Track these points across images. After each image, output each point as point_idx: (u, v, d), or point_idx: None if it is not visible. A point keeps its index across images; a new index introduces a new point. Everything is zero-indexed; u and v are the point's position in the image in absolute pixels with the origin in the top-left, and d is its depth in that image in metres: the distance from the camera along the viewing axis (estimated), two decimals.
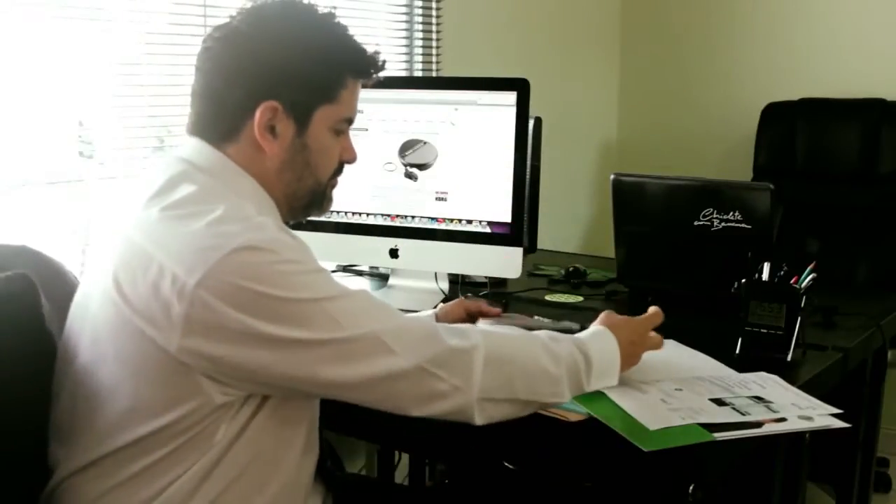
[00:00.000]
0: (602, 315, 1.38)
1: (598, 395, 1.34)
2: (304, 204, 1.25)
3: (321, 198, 1.27)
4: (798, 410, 1.32)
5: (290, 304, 1.04)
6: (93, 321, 1.12)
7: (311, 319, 1.05)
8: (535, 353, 1.21)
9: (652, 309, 1.41)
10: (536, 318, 1.70)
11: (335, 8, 1.24)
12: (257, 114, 1.15)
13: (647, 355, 1.45)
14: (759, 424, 1.26)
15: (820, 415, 1.31)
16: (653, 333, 1.39)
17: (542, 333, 1.26)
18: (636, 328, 1.36)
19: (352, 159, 1.28)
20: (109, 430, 1.11)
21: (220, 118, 1.17)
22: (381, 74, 1.25)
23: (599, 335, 1.31)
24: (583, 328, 1.39)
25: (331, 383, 1.08)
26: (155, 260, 1.05)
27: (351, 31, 1.22)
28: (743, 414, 1.29)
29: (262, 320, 1.03)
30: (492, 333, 1.20)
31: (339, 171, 1.28)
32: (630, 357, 1.34)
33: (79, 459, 1.13)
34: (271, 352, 1.04)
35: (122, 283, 1.08)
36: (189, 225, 1.06)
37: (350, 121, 1.25)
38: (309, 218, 1.30)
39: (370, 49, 1.23)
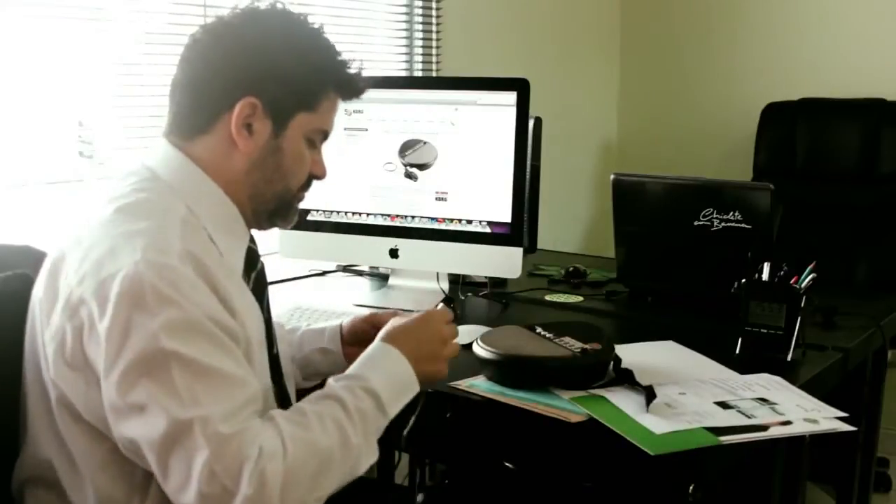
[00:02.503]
0: (385, 327, 1.26)
1: (601, 399, 1.34)
2: (271, 210, 1.22)
3: (288, 207, 1.23)
4: (803, 413, 1.32)
5: (149, 343, 0.98)
6: (31, 330, 1.14)
7: (153, 367, 0.98)
8: (333, 447, 1.07)
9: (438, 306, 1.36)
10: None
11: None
12: (236, 108, 1.13)
13: (649, 359, 1.44)
14: (765, 428, 1.26)
15: (825, 417, 1.31)
16: (448, 326, 1.29)
17: (335, 397, 1.12)
18: (419, 325, 1.26)
19: (321, 175, 1.26)
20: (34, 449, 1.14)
21: (198, 110, 1.16)
22: (362, 96, 1.24)
23: (382, 356, 1.20)
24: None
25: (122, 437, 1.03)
26: (64, 268, 1.07)
27: (339, 48, 1.21)
28: (748, 417, 1.29)
29: (121, 346, 0.99)
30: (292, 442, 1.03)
31: (307, 184, 1.25)
32: (429, 358, 1.23)
33: (26, 468, 1.15)
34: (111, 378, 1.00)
35: (41, 292, 1.10)
36: (104, 232, 1.05)
37: (325, 135, 1.24)
38: (275, 228, 1.26)
39: (355, 68, 1.22)
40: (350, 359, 1.39)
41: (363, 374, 1.16)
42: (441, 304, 1.37)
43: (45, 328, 1.07)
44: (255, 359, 1.14)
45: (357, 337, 1.45)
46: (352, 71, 1.21)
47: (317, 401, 1.11)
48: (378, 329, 1.38)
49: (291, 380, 1.37)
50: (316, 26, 1.20)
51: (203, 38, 1.17)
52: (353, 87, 1.22)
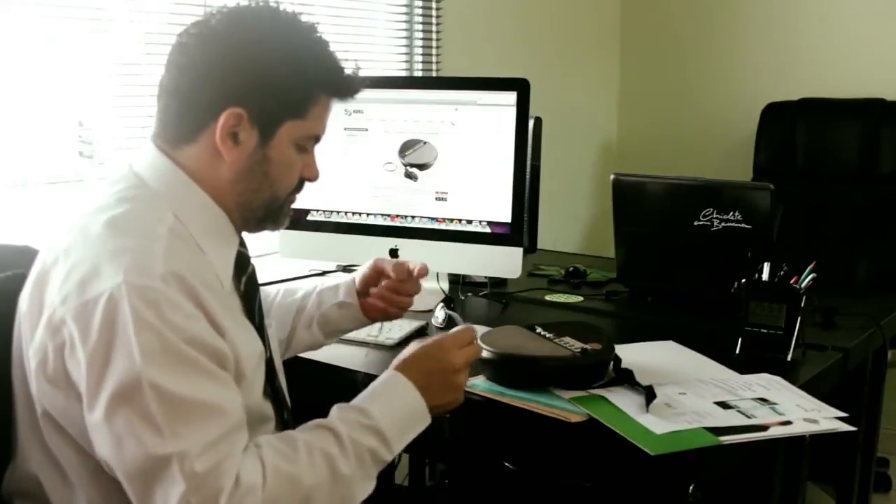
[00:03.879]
0: (401, 354, 1.23)
1: (601, 399, 1.34)
2: (259, 216, 1.20)
3: (277, 212, 1.21)
4: (803, 413, 1.32)
5: (130, 371, 0.98)
6: (17, 342, 1.13)
7: (132, 397, 0.97)
8: (320, 481, 1.06)
9: (459, 327, 1.29)
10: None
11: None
12: (221, 119, 1.11)
13: (649, 359, 1.43)
14: (764, 428, 1.26)
15: (825, 417, 1.31)
16: (461, 351, 1.24)
17: (331, 428, 1.11)
18: (431, 353, 1.22)
19: (313, 178, 1.23)
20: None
21: (184, 117, 1.14)
22: (357, 95, 1.21)
23: (390, 386, 1.18)
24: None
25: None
26: (49, 281, 1.06)
27: (332, 48, 1.18)
28: (748, 417, 1.29)
29: (98, 373, 0.99)
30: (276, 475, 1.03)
31: (299, 187, 1.23)
32: (441, 388, 1.20)
33: (14, 480, 1.15)
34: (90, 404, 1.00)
35: (26, 305, 1.09)
36: (90, 249, 1.05)
37: (317, 138, 1.21)
38: (264, 231, 1.25)
39: (349, 69, 1.19)
40: (366, 309, 1.49)
41: (367, 407, 1.14)
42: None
43: (29, 343, 1.07)
44: (249, 373, 1.13)
45: (367, 285, 1.49)
46: (344, 72, 1.18)
47: (311, 430, 1.11)
48: (381, 274, 1.47)
49: (281, 373, 1.37)
50: (307, 26, 1.16)
51: (189, 43, 1.14)
52: (345, 88, 1.19)
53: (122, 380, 0.97)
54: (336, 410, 1.14)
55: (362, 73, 1.22)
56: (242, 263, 1.22)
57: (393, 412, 1.15)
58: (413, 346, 1.25)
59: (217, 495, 0.97)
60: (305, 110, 1.16)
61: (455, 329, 1.28)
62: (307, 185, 1.24)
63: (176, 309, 1.01)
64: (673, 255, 1.94)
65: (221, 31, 1.13)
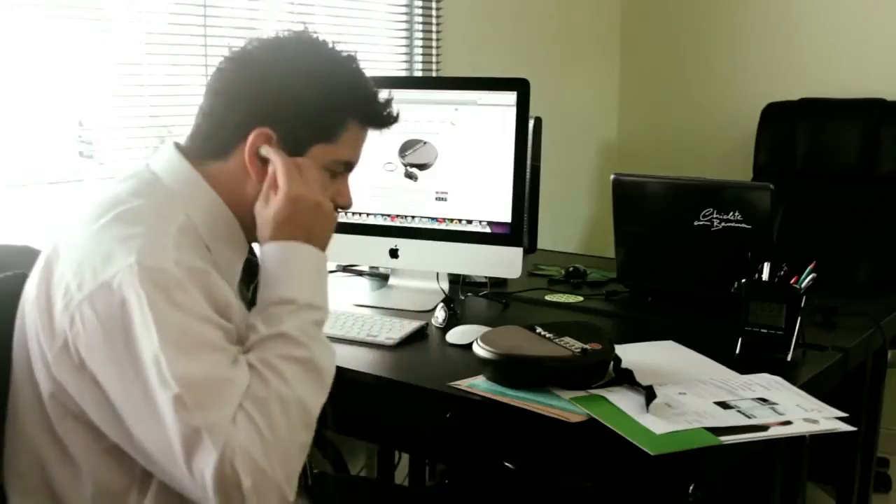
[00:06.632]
0: (262, 224, 1.15)
1: (601, 399, 1.34)
2: None
3: None
4: (803, 413, 1.32)
5: (149, 346, 0.99)
6: (20, 328, 1.14)
7: (156, 377, 0.99)
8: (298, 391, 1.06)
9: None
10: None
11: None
12: (250, 138, 1.13)
13: (649, 359, 1.43)
14: (765, 428, 1.26)
15: (825, 417, 1.31)
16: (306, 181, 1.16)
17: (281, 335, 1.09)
18: (293, 208, 1.14)
19: (344, 205, 1.25)
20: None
21: (214, 136, 1.16)
22: (392, 126, 1.22)
23: (288, 263, 1.13)
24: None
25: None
26: (58, 268, 1.07)
27: (369, 79, 1.19)
28: (749, 417, 1.29)
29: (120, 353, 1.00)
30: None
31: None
32: (316, 224, 1.17)
33: (10, 466, 1.16)
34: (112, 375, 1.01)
35: (34, 292, 1.10)
36: (100, 236, 1.05)
37: (349, 165, 1.22)
38: None
39: (383, 97, 1.21)
40: None
41: (286, 295, 1.10)
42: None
43: (42, 328, 1.07)
44: None
45: None
46: (378, 102, 1.20)
47: (264, 344, 1.07)
48: None
49: None
50: (344, 55, 1.18)
51: (226, 69, 1.17)
52: (378, 118, 1.21)
53: (145, 361, 0.99)
54: (267, 314, 1.09)
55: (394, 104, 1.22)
56: (252, 272, 1.22)
57: (305, 281, 1.13)
58: (271, 210, 1.14)
59: (240, 458, 0.97)
60: (335, 135, 1.17)
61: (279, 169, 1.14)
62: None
63: (185, 291, 1.02)
64: (673, 255, 1.94)
65: (256, 56, 1.16)
